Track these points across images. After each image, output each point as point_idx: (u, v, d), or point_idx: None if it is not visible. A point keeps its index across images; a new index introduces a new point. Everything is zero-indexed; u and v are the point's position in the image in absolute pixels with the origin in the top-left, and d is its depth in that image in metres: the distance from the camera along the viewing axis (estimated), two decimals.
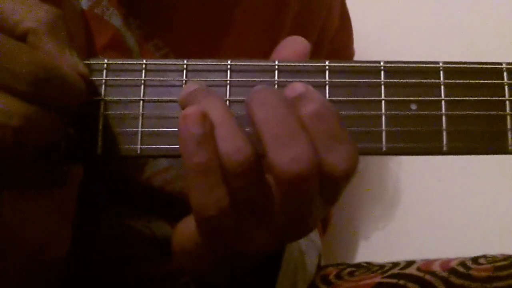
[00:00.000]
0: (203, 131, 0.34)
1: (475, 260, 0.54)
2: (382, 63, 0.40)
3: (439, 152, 0.38)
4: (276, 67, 0.39)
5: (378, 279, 0.56)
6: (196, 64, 0.40)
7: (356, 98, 0.39)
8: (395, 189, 0.86)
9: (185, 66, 0.40)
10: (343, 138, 0.35)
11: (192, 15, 0.56)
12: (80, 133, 0.39)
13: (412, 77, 0.39)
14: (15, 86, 0.33)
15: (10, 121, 0.33)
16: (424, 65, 0.39)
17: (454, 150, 0.38)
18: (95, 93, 0.39)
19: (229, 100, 0.39)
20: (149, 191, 0.54)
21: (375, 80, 0.39)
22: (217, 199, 0.35)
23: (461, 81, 0.39)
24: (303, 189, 0.35)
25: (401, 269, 0.56)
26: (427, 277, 0.53)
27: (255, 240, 0.38)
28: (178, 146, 0.37)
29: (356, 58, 0.77)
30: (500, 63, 0.40)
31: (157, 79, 0.40)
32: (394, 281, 0.54)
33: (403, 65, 0.39)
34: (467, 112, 0.39)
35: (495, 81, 0.39)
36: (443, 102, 0.39)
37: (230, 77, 0.40)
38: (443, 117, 0.39)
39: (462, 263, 0.54)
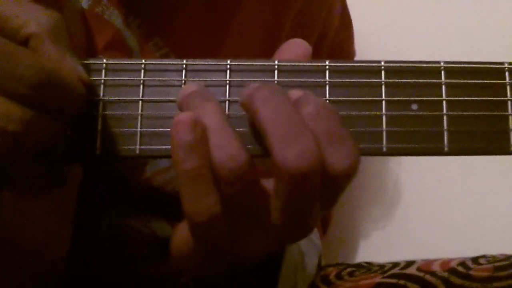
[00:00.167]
0: (193, 138, 0.34)
1: (475, 260, 0.54)
2: (382, 63, 0.39)
3: (440, 152, 0.38)
4: (276, 67, 0.39)
5: (378, 279, 0.56)
6: (195, 64, 0.40)
7: (356, 98, 0.39)
8: (395, 189, 0.86)
9: (184, 66, 0.40)
10: (345, 137, 0.35)
11: (192, 15, 0.56)
12: (79, 133, 0.39)
13: (413, 77, 0.39)
14: (15, 90, 0.33)
15: (9, 126, 0.33)
16: (425, 65, 0.39)
17: (455, 151, 0.38)
18: (94, 93, 0.39)
19: (229, 100, 0.39)
20: (150, 191, 0.54)
21: (375, 80, 0.39)
22: (208, 205, 0.35)
23: (463, 81, 0.39)
24: (306, 188, 0.35)
25: (401, 269, 0.56)
26: (427, 277, 0.53)
27: (253, 244, 0.38)
28: None
29: (356, 58, 0.77)
30: (502, 63, 0.39)
31: (156, 79, 0.40)
32: (394, 281, 0.54)
33: (404, 64, 0.39)
34: (469, 113, 0.38)
35: (497, 81, 0.39)
36: (444, 102, 0.39)
37: (230, 77, 0.39)
38: (444, 118, 0.38)
39: (462, 263, 0.54)
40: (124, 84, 0.40)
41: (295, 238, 0.40)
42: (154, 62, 0.40)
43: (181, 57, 0.40)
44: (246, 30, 0.59)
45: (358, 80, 0.39)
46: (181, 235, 0.39)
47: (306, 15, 0.63)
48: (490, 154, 0.38)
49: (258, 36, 0.59)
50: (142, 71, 0.40)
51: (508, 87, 0.39)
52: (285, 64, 0.39)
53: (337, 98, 0.39)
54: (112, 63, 0.40)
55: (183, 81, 0.39)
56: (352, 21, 0.74)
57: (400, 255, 0.60)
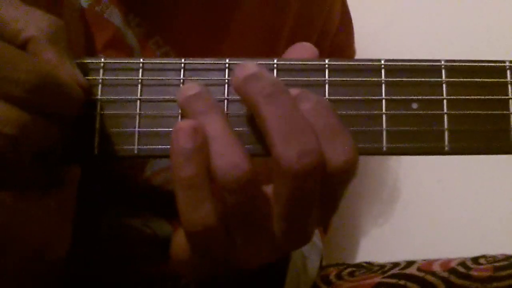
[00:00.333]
0: (192, 146, 0.35)
1: (475, 260, 0.54)
2: (383, 62, 0.39)
3: (441, 152, 0.38)
4: (275, 65, 0.39)
5: (378, 279, 0.56)
6: (194, 63, 0.40)
7: (356, 97, 0.38)
8: (395, 189, 0.86)
9: (182, 65, 0.39)
10: (342, 132, 0.35)
11: (192, 13, 0.56)
12: (77, 133, 0.38)
13: (414, 75, 0.39)
14: (12, 93, 0.33)
15: (5, 128, 0.33)
16: (426, 64, 0.39)
17: (456, 150, 0.38)
18: (92, 93, 0.39)
19: (227, 99, 0.39)
20: (150, 190, 0.54)
21: (375, 79, 0.39)
22: (204, 215, 0.35)
23: (464, 79, 0.39)
24: (307, 187, 0.34)
25: (402, 269, 0.56)
26: (428, 277, 0.53)
27: (253, 251, 0.38)
28: None
29: (357, 57, 0.76)
30: (503, 61, 0.39)
31: (155, 78, 0.39)
32: (395, 281, 0.54)
33: (404, 63, 0.39)
34: (470, 111, 0.38)
35: (498, 80, 0.39)
36: (445, 101, 0.38)
37: (228, 76, 0.39)
38: (445, 117, 0.38)
39: (462, 263, 0.54)
40: (122, 83, 0.39)
41: (295, 245, 0.40)
42: (152, 61, 0.40)
43: (182, 55, 0.40)
44: (247, 29, 0.59)
45: (358, 79, 0.39)
46: (179, 241, 0.39)
47: (306, 14, 0.63)
48: (491, 154, 0.38)
49: (259, 35, 0.59)
50: (140, 70, 0.39)
51: (509, 86, 0.39)
52: (284, 63, 0.39)
53: (336, 97, 0.38)
54: (110, 62, 0.40)
55: (181, 80, 0.39)
56: (353, 21, 0.74)
57: (400, 255, 0.60)
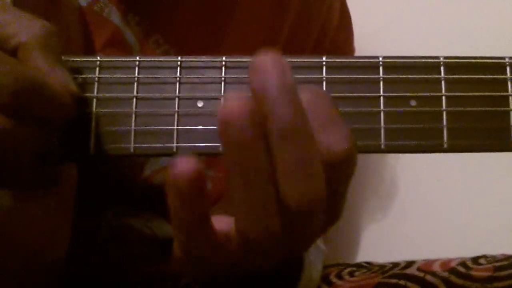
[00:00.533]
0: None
1: (475, 260, 0.54)
2: (380, 59, 0.39)
3: (439, 149, 0.38)
4: None
5: (378, 279, 0.56)
6: (190, 61, 0.39)
7: (354, 95, 0.38)
8: (394, 190, 0.86)
9: (179, 63, 0.39)
10: (338, 120, 0.34)
11: (192, 12, 0.56)
12: (72, 132, 0.38)
13: (412, 72, 0.38)
14: None
15: None
16: (424, 60, 0.39)
17: (455, 148, 0.38)
18: (87, 91, 0.39)
19: (224, 98, 0.39)
20: (149, 190, 0.54)
21: (373, 76, 0.38)
22: (199, 249, 0.35)
23: (462, 76, 0.38)
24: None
25: (402, 269, 0.56)
26: (428, 277, 0.53)
27: (253, 261, 0.38)
28: (171, 145, 0.37)
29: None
30: (503, 58, 0.39)
31: (151, 76, 0.39)
32: (395, 281, 0.54)
33: (402, 60, 0.39)
34: (469, 108, 0.38)
35: (498, 76, 0.38)
36: (443, 98, 0.38)
37: (225, 74, 0.39)
38: (444, 114, 0.38)
39: (462, 263, 0.54)
40: (118, 81, 0.39)
41: (297, 250, 0.39)
42: (148, 59, 0.39)
43: (182, 54, 0.40)
44: (246, 27, 0.59)
45: (356, 76, 0.38)
46: (177, 243, 0.39)
47: (306, 14, 0.63)
48: (490, 151, 0.38)
49: (258, 34, 0.59)
50: (137, 68, 0.39)
51: (509, 83, 0.38)
52: None
53: (334, 95, 0.38)
54: (106, 60, 0.39)
55: (177, 78, 0.39)
56: (352, 20, 0.74)
57: (400, 255, 0.60)
